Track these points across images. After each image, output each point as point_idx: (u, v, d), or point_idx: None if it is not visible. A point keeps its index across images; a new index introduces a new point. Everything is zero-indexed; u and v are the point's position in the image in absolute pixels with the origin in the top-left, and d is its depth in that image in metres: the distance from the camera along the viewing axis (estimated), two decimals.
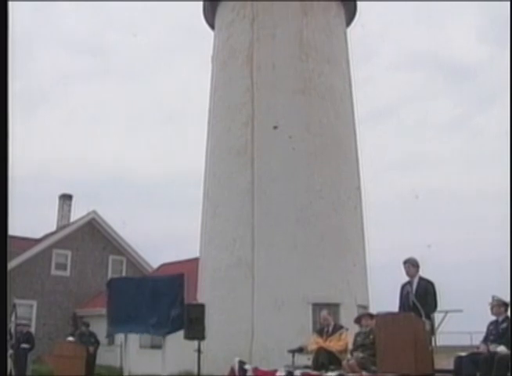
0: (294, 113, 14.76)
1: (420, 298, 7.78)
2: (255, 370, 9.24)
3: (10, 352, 11.17)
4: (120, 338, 13.84)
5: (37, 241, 24.67)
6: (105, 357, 16.58)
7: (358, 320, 9.19)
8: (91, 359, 13.02)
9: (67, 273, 24.05)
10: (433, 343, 7.86)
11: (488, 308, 7.72)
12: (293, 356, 9.56)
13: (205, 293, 14.51)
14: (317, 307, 12.77)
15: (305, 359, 9.49)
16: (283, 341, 11.55)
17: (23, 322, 15.31)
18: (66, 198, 26.68)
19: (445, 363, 8.55)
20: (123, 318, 10.05)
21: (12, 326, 11.57)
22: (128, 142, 55.53)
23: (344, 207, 14.67)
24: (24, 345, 13.09)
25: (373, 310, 12.36)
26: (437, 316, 9.32)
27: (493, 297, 7.70)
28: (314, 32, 15.71)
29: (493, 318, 7.65)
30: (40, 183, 45.49)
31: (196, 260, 16.38)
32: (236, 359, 9.48)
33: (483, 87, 56.03)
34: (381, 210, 39.37)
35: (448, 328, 11.30)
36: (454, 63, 55.71)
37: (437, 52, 53.24)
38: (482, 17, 55.95)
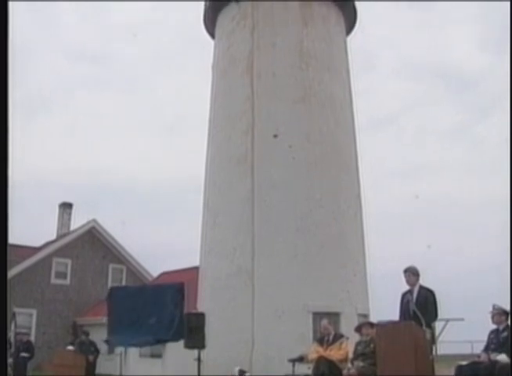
0: (294, 121, 14.77)
1: (421, 306, 7.77)
2: None
3: (9, 360, 11.14)
4: None
5: (37, 250, 24.67)
6: (105, 366, 16.54)
7: (358, 329, 9.16)
8: (90, 368, 13.00)
9: (67, 282, 24.05)
10: (434, 352, 7.85)
11: (489, 316, 7.72)
12: (294, 365, 9.55)
13: (205, 302, 14.47)
14: (317, 316, 12.74)
15: (306, 368, 9.47)
16: (283, 349, 11.51)
17: (23, 331, 15.30)
18: (66, 207, 26.74)
19: (446, 372, 8.55)
20: (123, 327, 10.03)
21: (11, 335, 11.55)
22: (128, 151, 55.55)
23: (344, 215, 14.65)
24: (24, 354, 13.06)
25: (373, 319, 12.36)
26: (437, 325, 9.30)
27: (494, 305, 7.70)
28: (314, 41, 15.74)
29: (494, 327, 7.65)
30: (40, 192, 45.59)
31: (196, 269, 16.35)
32: (237, 368, 9.49)
33: (483, 95, 56.17)
34: (381, 218, 39.42)
35: (449, 337, 11.24)
36: (454, 71, 55.91)
37: (437, 60, 53.48)
38: (483, 25, 56.15)
